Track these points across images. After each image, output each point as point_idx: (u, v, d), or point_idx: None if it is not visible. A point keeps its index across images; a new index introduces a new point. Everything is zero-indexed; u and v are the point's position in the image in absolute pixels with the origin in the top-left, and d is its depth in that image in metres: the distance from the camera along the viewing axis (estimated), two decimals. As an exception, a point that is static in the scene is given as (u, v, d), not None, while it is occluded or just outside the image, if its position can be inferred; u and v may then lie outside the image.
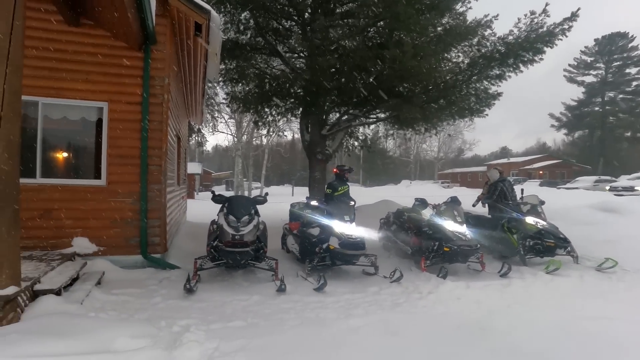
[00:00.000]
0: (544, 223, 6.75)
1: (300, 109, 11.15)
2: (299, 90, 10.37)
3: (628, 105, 50.88)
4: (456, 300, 4.63)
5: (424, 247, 6.15)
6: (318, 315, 4.06)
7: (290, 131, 36.03)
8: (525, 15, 8.61)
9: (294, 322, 3.83)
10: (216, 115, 23.52)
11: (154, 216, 5.72)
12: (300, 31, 10.48)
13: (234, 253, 4.96)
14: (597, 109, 53.95)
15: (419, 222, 6.56)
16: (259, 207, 5.60)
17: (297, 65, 10.95)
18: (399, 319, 3.93)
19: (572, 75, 54.94)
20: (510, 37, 8.78)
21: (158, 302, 4.40)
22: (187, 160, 12.74)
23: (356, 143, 13.39)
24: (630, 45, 51.39)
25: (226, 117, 29.62)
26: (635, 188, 22.37)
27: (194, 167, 30.55)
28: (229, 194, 29.45)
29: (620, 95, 52.35)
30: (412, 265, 6.27)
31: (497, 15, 9.18)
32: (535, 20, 8.54)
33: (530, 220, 6.77)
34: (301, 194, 26.50)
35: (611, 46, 52.21)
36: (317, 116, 10.66)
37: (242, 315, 4.02)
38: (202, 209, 13.53)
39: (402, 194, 24.54)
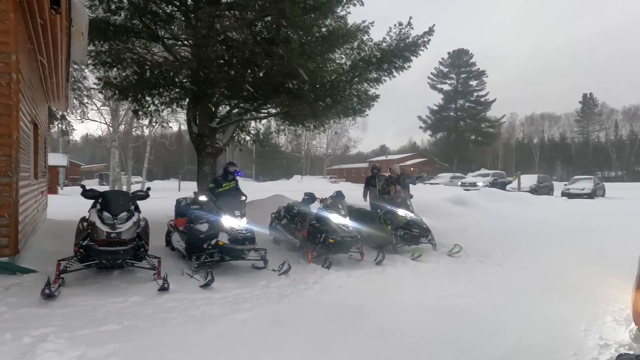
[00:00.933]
0: (412, 215, 7.65)
1: (187, 99, 10.59)
2: (185, 81, 9.83)
3: (471, 112, 60.52)
4: (338, 288, 4.98)
5: (311, 239, 6.43)
6: (204, 312, 3.98)
7: (177, 122, 33.94)
8: (395, 25, 9.51)
9: (177, 321, 3.70)
10: (86, 101, 20.84)
11: (1, 214, 4.91)
12: (183, 18, 9.92)
13: (109, 252, 4.55)
14: (452, 114, 62.66)
15: (307, 216, 6.83)
16: (140, 203, 5.23)
17: (182, 54, 10.37)
18: (285, 310, 4.08)
19: (434, 82, 62.87)
20: (384, 44, 9.60)
21: (2, 312, 3.78)
22: (47, 150, 11.12)
23: (248, 137, 13.24)
24: (470, 61, 60.96)
25: (98, 104, 26.58)
26: (477, 184, 26.58)
27: (57, 159, 26.68)
28: (103, 189, 26.48)
29: (467, 104, 61.79)
30: (300, 258, 6.51)
31: (373, 22, 9.98)
32: (403, 30, 9.47)
33: (401, 212, 7.59)
34: (189, 189, 25.21)
35: (459, 60, 61.08)
36: (206, 108, 10.25)
37: (116, 319, 3.72)
38: (67, 206, 12.03)
39: (294, 188, 25.04)
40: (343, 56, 10.26)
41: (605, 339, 3.35)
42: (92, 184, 40.60)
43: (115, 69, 10.07)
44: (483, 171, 36.94)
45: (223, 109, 11.54)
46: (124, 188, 28.10)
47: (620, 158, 59.44)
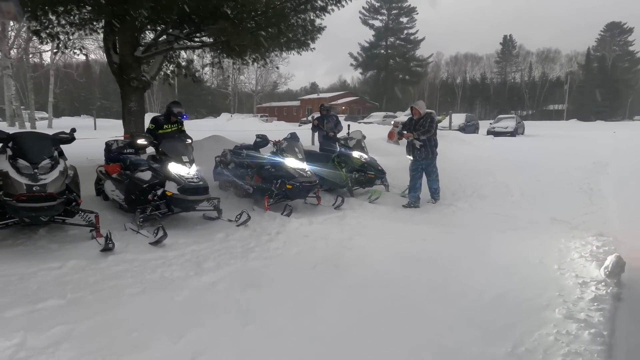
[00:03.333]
0: (367, 157, 7.46)
1: (103, 21, 8.90)
2: (100, -4, 8.14)
3: (401, 50, 60.79)
4: (304, 237, 4.70)
5: (266, 185, 5.98)
6: (163, 275, 3.48)
7: (85, 49, 29.61)
8: None
9: (133, 289, 3.17)
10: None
11: None
12: None
13: (33, 210, 3.73)
14: (382, 52, 62.08)
15: (260, 161, 6.31)
16: (63, 147, 4.33)
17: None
18: (255, 268, 3.73)
19: (365, 18, 60.87)
20: None
21: None
22: None
23: (177, 70, 11.79)
24: None
25: (-19, 21, 21.97)
26: None
27: None
28: (2, 126, 22.90)
29: (397, 42, 61.67)
30: (254, 205, 6.08)
31: None
32: None
33: (356, 154, 7.35)
34: (107, 127, 22.70)
35: None
36: (128, 33, 8.73)
37: (55, 291, 3.10)
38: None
39: (226, 128, 23.76)
40: (288, -23, 9.18)
41: (582, 277, 3.50)
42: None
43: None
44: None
45: (148, 36, 10.00)
46: (27, 125, 24.50)
47: (531, 98, 64.82)
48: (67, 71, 37.59)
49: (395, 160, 10.78)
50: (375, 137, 14.55)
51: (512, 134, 22.17)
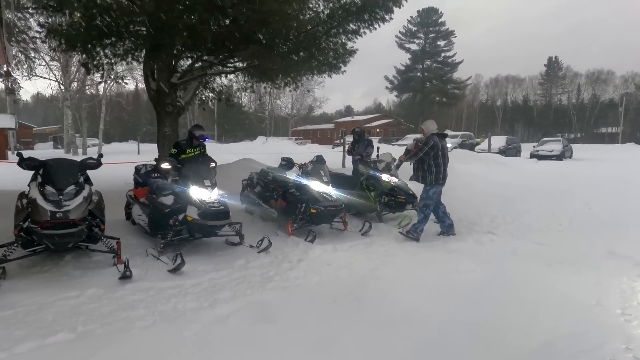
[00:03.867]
0: (396, 180, 7.15)
1: (144, 51, 9.33)
2: (141, 28, 8.56)
3: (438, 73, 60.30)
4: (327, 266, 4.44)
5: (290, 209, 5.82)
6: (176, 306, 3.33)
7: (133, 80, 31.53)
8: None
9: (144, 322, 3.04)
10: (32, 55, 18.49)
11: None
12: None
13: (56, 236, 3.75)
14: (418, 74, 61.93)
15: (285, 183, 6.18)
16: (90, 173, 4.38)
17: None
18: (272, 299, 3.51)
19: (402, 42, 61.34)
20: None
21: None
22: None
23: (212, 95, 12.12)
24: (440, 20, 59.78)
25: (47, 58, 23.96)
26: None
27: (4, 121, 24.20)
28: (58, 153, 24.48)
29: (434, 64, 61.31)
30: (278, 229, 5.92)
31: None
32: None
33: (385, 177, 7.07)
34: (149, 152, 23.67)
35: (427, 19, 59.80)
36: (165, 61, 9.08)
37: (69, 323, 3.02)
38: (18, 174, 10.74)
39: (260, 150, 24.13)
40: (320, 3, 9.26)
41: (654, 326, 2.99)
42: (46, 148, 37.76)
43: (60, 14, 8.63)
44: (448, 132, 37.16)
45: (184, 63, 10.35)
46: (80, 151, 26.04)
47: (580, 120, 61.65)
48: (117, 100, 40.06)
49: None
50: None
51: (559, 157, 20.94)
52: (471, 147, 24.23)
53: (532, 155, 21.64)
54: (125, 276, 3.83)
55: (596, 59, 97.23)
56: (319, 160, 6.29)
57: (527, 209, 7.53)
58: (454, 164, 13.68)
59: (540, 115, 65.18)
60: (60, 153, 25.77)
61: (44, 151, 28.14)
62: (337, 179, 7.29)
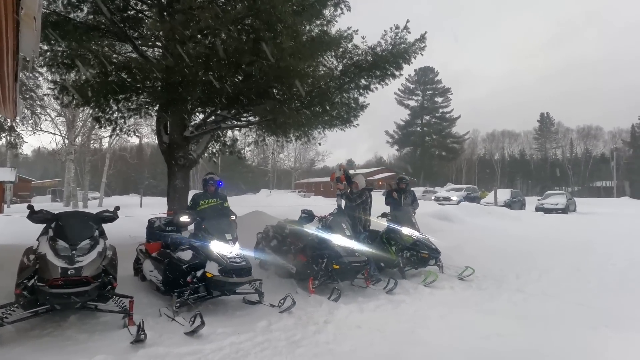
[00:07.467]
0: (418, 234, 6.87)
1: (157, 105, 9.45)
2: (156, 84, 8.71)
3: (437, 128, 62.19)
4: (357, 329, 4.07)
5: (310, 265, 5.50)
6: (196, 378, 2.95)
7: (138, 134, 32.00)
8: (391, 28, 8.97)
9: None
10: (39, 111, 18.89)
11: None
12: (155, 16, 8.85)
13: (65, 295, 3.43)
14: (418, 129, 63.99)
15: (303, 237, 5.91)
16: (105, 226, 4.14)
17: (152, 56, 9.25)
18: (304, 368, 3.14)
19: (401, 98, 64.19)
20: (378, 49, 9.03)
21: None
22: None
23: (221, 148, 12.15)
24: (436, 78, 62.93)
25: (53, 114, 24.55)
26: (452, 198, 26.59)
27: (3, 174, 24.25)
28: (57, 206, 24.20)
29: (433, 120, 63.37)
30: (297, 287, 5.56)
31: (357, 30, 9.40)
32: (399, 34, 8.95)
33: (406, 231, 6.80)
34: (151, 205, 23.45)
35: (425, 77, 62.79)
36: (179, 115, 9.15)
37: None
38: (13, 227, 10.46)
39: (266, 203, 23.91)
40: (334, 60, 9.54)
41: None
42: (44, 201, 37.48)
43: (74, 72, 8.82)
44: (451, 186, 37.30)
45: (197, 117, 10.46)
46: (80, 204, 25.82)
47: (576, 174, 62.32)
48: (121, 154, 40.48)
49: (448, 237, 9.98)
50: (419, 211, 13.89)
51: (564, 210, 20.78)
52: (476, 201, 24.14)
53: (538, 209, 21.48)
54: (139, 339, 3.46)
55: (585, 115, 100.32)
56: (340, 213, 6.08)
57: (551, 265, 7.24)
58: (465, 218, 13.54)
59: (537, 169, 66.02)
60: (59, 206, 25.52)
61: (41, 204, 27.87)
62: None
